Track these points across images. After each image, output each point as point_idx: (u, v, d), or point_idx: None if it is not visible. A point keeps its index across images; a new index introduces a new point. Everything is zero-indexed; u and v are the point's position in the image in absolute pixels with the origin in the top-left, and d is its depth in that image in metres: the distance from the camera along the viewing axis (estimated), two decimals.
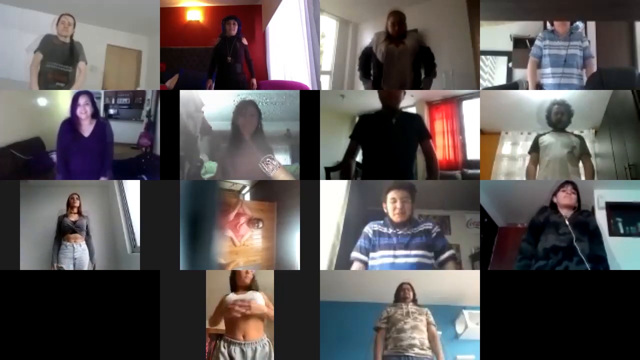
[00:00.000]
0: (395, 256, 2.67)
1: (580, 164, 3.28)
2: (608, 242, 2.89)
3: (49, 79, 3.30)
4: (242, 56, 3.64)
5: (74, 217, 3.16)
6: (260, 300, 2.69)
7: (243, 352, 2.61)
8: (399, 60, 3.21)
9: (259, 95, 3.12)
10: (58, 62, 3.32)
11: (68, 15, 3.32)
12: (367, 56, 3.32)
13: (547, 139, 3.31)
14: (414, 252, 2.66)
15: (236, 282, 2.74)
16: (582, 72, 3.27)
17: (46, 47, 3.31)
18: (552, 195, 2.94)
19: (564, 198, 2.87)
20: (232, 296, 2.69)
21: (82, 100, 3.02)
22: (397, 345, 2.69)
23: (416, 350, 2.67)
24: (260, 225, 3.37)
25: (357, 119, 3.59)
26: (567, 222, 2.78)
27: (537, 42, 3.33)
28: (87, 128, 3.04)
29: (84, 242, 3.17)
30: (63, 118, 3.05)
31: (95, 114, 3.07)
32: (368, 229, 2.77)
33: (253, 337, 2.64)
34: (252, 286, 2.73)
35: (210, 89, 3.53)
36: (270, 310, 2.70)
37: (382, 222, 2.78)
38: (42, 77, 3.29)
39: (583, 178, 3.21)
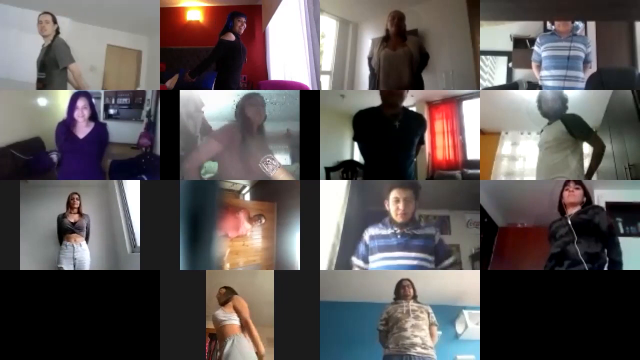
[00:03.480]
0: (394, 257, 2.67)
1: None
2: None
3: None
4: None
5: (73, 218, 3.15)
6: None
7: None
8: (397, 63, 3.20)
9: None
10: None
11: (46, 13, 3.17)
12: (371, 67, 3.31)
13: (543, 132, 3.19)
14: (413, 254, 2.66)
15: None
16: (584, 75, 3.23)
17: None
18: (560, 198, 2.89)
19: (569, 197, 2.83)
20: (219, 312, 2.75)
21: (81, 103, 3.02)
22: (399, 344, 2.69)
23: (418, 349, 2.67)
24: (263, 221, 3.37)
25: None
26: (569, 222, 2.73)
27: (535, 48, 3.31)
28: (82, 130, 3.04)
29: (84, 242, 3.16)
30: (63, 118, 3.05)
31: (93, 117, 3.06)
32: (366, 236, 2.77)
33: (225, 337, 2.68)
34: (226, 301, 2.76)
35: (187, 81, 3.43)
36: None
37: (380, 225, 2.77)
38: None
39: (586, 163, 3.06)
